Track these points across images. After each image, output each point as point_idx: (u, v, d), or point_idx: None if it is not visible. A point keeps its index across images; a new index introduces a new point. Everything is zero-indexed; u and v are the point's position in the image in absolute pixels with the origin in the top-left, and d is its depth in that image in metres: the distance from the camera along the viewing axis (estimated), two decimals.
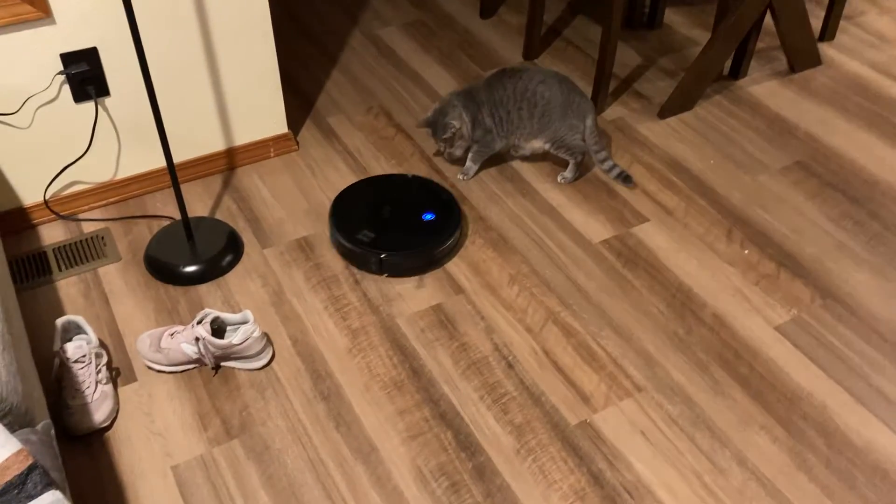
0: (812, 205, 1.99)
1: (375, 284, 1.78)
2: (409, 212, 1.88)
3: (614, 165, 2.04)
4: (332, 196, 2.01)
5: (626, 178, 2.03)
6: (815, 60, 2.47)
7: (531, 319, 1.71)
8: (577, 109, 2.00)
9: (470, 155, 2.06)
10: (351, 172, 2.08)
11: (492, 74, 2.03)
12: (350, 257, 1.83)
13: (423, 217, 1.87)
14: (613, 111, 2.30)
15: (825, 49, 2.54)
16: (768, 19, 2.40)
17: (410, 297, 1.75)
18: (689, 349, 1.66)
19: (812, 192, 2.03)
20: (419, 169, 2.10)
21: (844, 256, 1.86)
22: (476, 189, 2.04)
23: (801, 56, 2.44)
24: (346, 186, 1.96)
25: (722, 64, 2.33)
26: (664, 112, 2.28)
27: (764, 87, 2.39)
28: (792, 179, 2.07)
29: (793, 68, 2.45)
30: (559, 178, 2.05)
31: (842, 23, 2.63)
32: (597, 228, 1.93)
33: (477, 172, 2.08)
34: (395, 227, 1.85)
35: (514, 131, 2.01)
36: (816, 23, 2.58)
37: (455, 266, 1.84)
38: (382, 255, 1.77)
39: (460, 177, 2.07)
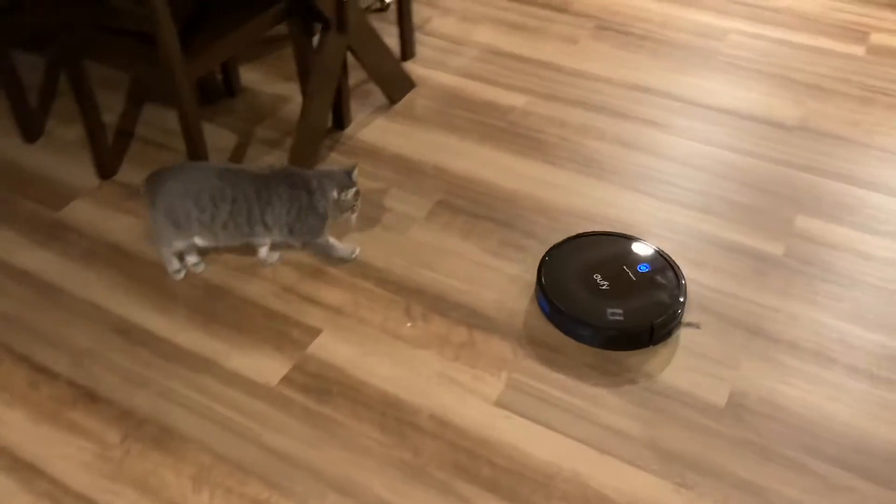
0: (470, 244, 1.89)
1: None
2: (620, 269, 1.72)
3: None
4: None
5: None
6: (409, 84, 2.38)
7: None
8: None
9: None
10: None
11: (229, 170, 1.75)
12: (611, 344, 1.64)
13: (639, 269, 1.72)
14: None
15: (412, 68, 2.46)
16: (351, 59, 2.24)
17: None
18: (423, 473, 1.44)
19: (464, 230, 1.92)
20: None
21: (519, 289, 1.78)
22: (104, 374, 1.60)
23: (394, 85, 2.33)
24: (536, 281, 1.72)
25: (325, 120, 2.12)
26: None
27: (373, 128, 2.24)
28: (441, 223, 1.94)
29: (392, 100, 2.33)
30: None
31: (416, 35, 2.58)
32: (269, 366, 1.62)
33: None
34: (625, 290, 1.68)
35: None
36: (393, 42, 2.48)
37: (114, 496, 1.40)
38: (677, 323, 1.65)
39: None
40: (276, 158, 2.13)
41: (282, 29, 2.03)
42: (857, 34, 2.61)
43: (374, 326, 1.70)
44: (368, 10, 2.76)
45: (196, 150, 1.85)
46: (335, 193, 1.71)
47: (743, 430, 1.50)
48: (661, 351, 1.64)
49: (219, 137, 2.19)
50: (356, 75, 2.36)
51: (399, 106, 2.32)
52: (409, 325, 1.70)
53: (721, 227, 1.92)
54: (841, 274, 1.80)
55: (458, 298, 1.76)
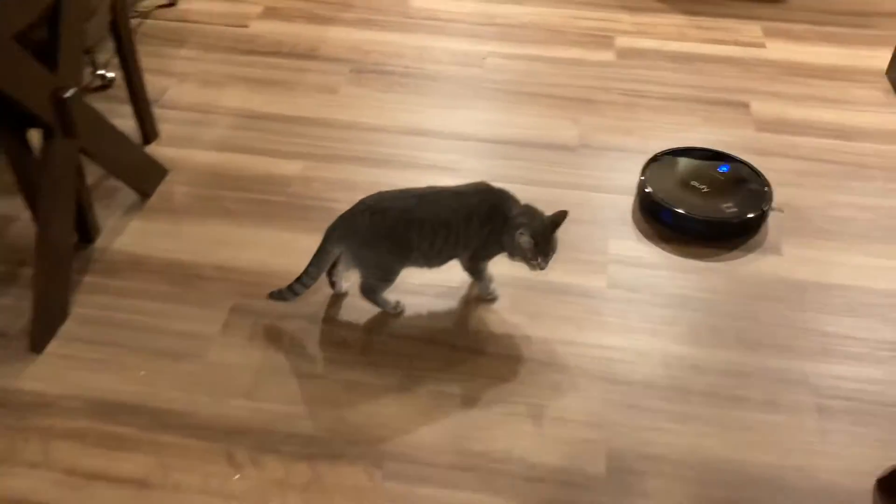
0: (285, 354, 1.62)
1: None
2: (708, 174, 1.98)
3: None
4: None
5: None
6: (160, 171, 2.04)
7: None
8: None
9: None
10: None
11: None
12: (731, 232, 1.88)
13: (720, 170, 1.99)
14: None
15: (159, 152, 2.11)
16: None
17: None
18: None
19: (272, 336, 1.65)
20: None
21: (361, 399, 1.54)
22: None
23: (142, 177, 1.98)
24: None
25: (70, 236, 1.74)
26: (37, 341, 1.61)
27: (130, 234, 1.88)
28: (243, 336, 1.65)
29: (144, 194, 1.98)
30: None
31: (155, 111, 2.23)
32: None
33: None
34: (722, 188, 1.94)
35: None
36: (129, 124, 2.11)
37: None
38: (767, 208, 1.89)
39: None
40: (16, 300, 1.71)
41: None
42: (604, 40, 2.66)
43: (194, 490, 1.38)
44: (88, 88, 2.35)
45: None
46: (519, 233, 1.55)
47: (632, 496, 1.39)
48: (524, 428, 1.49)
49: None
50: (93, 173, 1.97)
51: (154, 200, 1.98)
52: (236, 477, 1.40)
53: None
54: (667, 294, 1.77)
55: (288, 427, 1.49)
